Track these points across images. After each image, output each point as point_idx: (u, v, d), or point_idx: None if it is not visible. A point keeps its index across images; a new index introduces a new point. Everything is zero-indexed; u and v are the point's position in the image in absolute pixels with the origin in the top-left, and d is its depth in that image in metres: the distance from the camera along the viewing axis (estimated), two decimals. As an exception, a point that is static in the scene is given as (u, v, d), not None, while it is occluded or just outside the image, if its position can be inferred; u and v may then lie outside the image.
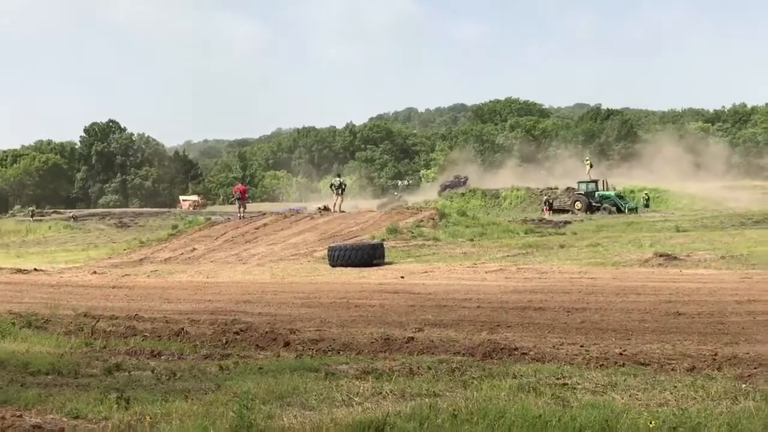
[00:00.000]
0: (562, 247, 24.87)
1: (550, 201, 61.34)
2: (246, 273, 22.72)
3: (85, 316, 13.98)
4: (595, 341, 10.01)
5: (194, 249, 29.01)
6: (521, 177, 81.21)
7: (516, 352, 9.38)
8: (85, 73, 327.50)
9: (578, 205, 57.85)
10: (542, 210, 59.68)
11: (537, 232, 33.27)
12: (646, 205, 59.12)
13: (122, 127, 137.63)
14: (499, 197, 71.35)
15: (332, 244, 24.15)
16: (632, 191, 65.28)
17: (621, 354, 9.05)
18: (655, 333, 10.41)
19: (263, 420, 5.91)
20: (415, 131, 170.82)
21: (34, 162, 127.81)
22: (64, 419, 6.27)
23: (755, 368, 7.91)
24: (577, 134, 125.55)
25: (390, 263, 22.72)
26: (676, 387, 6.98)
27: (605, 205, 56.55)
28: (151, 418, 6.08)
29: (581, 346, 9.69)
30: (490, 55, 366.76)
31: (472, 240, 28.18)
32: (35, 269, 26.27)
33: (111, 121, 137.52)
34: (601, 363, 8.53)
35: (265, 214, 39.49)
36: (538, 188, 71.11)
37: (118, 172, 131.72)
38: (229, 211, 63.97)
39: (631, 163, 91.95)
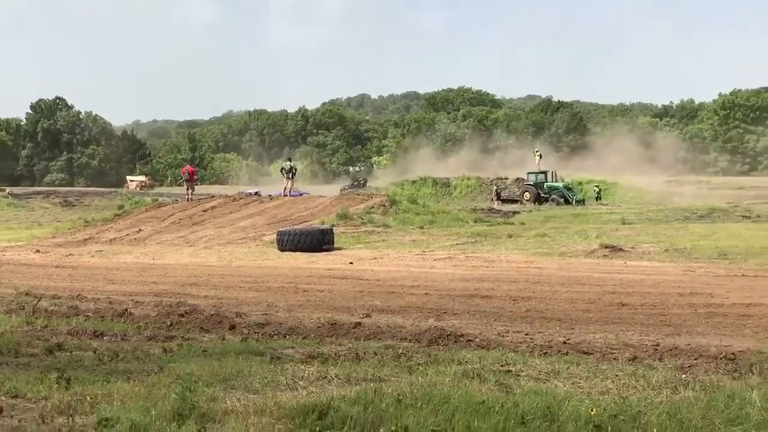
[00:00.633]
0: (510, 236, 25.08)
1: (499, 191, 61.85)
2: (193, 255, 22.51)
3: (26, 294, 13.76)
4: (540, 330, 10.11)
5: (140, 230, 28.64)
6: (472, 166, 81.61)
7: (462, 339, 9.43)
8: (31, 48, 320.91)
9: (527, 195, 58.39)
10: (492, 200, 60.15)
11: (486, 222, 33.51)
12: (598, 198, 59.55)
13: (69, 104, 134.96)
14: (449, 186, 71.75)
15: (281, 229, 24.05)
16: (580, 183, 66.08)
17: (565, 343, 9.15)
18: (598, 323, 10.54)
19: (206, 402, 5.86)
20: (367, 118, 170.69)
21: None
22: (3, 398, 6.17)
23: (695, 359, 8.06)
24: (527, 125, 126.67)
25: (339, 249, 22.70)
26: (617, 376, 7.07)
27: (553, 196, 57.15)
28: (91, 399, 6.00)
29: (526, 334, 9.78)
30: (446, 44, 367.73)
31: (421, 228, 28.27)
32: (-24, 247, 25.72)
33: (58, 98, 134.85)
34: (545, 351, 8.61)
35: (213, 196, 39.11)
36: (488, 178, 71.63)
37: (65, 151, 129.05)
38: (177, 193, 63.25)
39: (581, 156, 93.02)
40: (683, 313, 11.18)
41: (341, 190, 60.30)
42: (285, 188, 37.93)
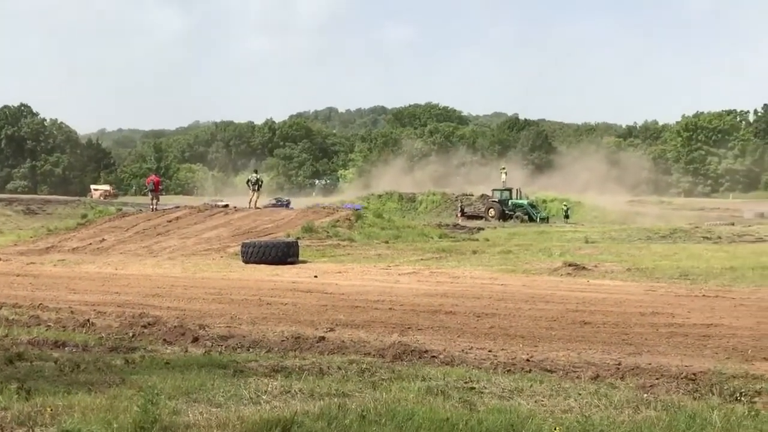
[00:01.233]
0: (474, 252, 25.18)
1: (464, 207, 62.15)
2: (156, 266, 22.32)
3: (-14, 303, 13.55)
4: (504, 347, 10.14)
5: (103, 240, 28.35)
6: (438, 182, 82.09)
7: (426, 355, 9.43)
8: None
9: (492, 212, 58.77)
10: (456, 215, 60.43)
11: (451, 237, 33.65)
12: (566, 216, 59.70)
13: (34, 111, 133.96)
14: (415, 201, 72.05)
15: (246, 241, 23.93)
16: (545, 201, 66.62)
17: (528, 360, 9.20)
18: (561, 341, 10.59)
19: (168, 416, 5.81)
20: (334, 131, 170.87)
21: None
22: (-40, 409, 6.05)
23: (657, 379, 8.12)
24: (493, 143, 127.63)
25: (304, 262, 22.64)
26: (580, 394, 7.11)
27: (518, 213, 57.61)
28: (52, 410, 5.92)
29: (490, 351, 9.81)
30: (414, 60, 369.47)
31: (387, 242, 28.29)
32: (-66, 253, 25.29)
33: (23, 105, 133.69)
34: (508, 368, 8.64)
35: (179, 206, 38.83)
36: (453, 194, 72.04)
37: (28, 158, 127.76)
38: (142, 203, 62.75)
39: (547, 174, 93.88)
40: (645, 332, 11.27)
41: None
42: (251, 200, 37.81)
